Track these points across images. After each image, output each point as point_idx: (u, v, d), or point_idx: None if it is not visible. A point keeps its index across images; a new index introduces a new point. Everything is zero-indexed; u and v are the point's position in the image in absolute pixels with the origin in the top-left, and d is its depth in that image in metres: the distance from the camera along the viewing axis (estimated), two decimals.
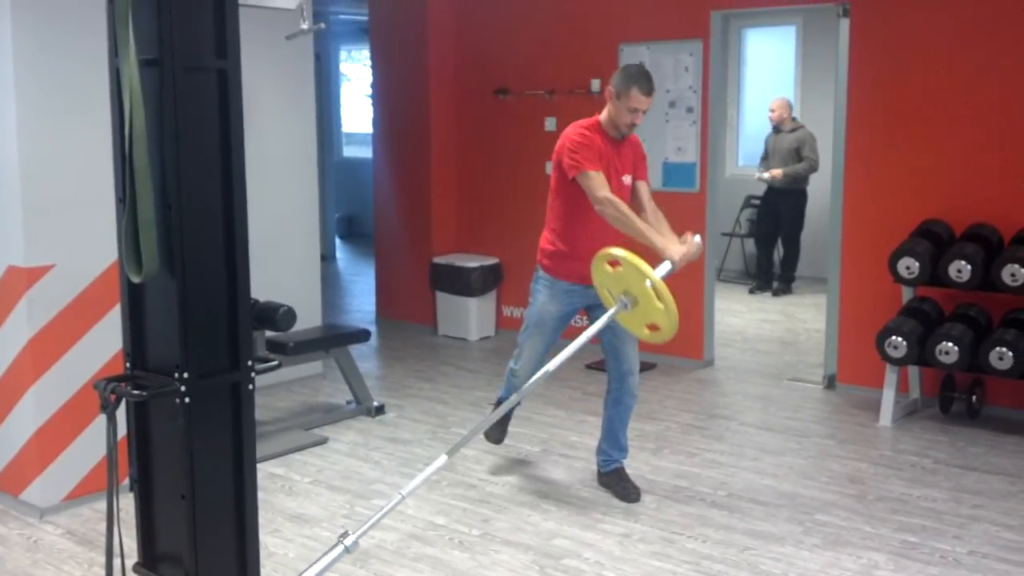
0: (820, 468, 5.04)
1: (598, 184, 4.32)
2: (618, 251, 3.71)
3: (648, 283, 3.63)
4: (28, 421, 4.43)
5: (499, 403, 4.95)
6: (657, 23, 6.91)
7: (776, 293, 9.72)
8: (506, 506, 4.59)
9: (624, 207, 4.31)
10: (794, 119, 9.39)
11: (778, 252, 9.95)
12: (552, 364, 3.75)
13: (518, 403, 4.07)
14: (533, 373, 4.75)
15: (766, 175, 9.34)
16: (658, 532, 4.28)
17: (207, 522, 2.74)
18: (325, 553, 3.22)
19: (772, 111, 9.35)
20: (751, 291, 9.81)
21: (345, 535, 3.24)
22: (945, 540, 4.18)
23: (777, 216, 9.66)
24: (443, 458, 3.55)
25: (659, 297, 3.60)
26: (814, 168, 9.19)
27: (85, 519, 4.43)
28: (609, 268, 3.81)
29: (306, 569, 3.20)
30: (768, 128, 9.53)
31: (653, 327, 3.70)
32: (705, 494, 4.69)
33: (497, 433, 4.96)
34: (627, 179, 4.54)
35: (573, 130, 4.48)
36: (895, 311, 5.73)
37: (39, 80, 4.29)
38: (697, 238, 4.27)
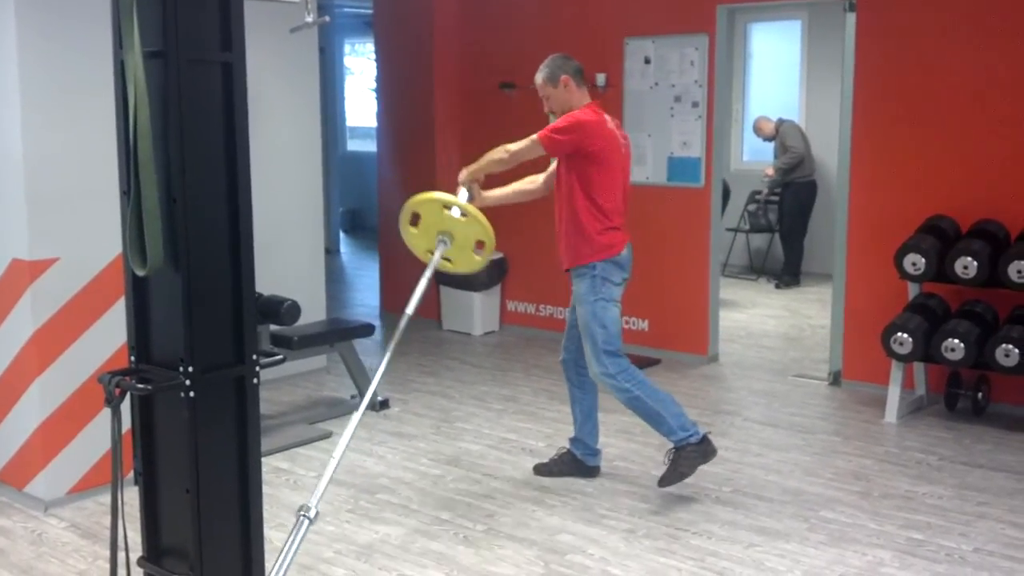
0: (825, 464, 5.03)
1: None
2: (414, 202, 3.82)
3: (449, 209, 3.77)
4: (33, 414, 4.43)
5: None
6: (663, 17, 6.88)
7: (779, 286, 9.74)
8: (511, 501, 4.58)
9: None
10: (777, 120, 9.78)
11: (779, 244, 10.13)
12: None
13: None
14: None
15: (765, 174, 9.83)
16: (663, 528, 4.27)
17: (211, 516, 2.73)
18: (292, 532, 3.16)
19: (758, 133, 9.91)
20: (777, 286, 9.79)
21: (305, 508, 3.19)
22: (951, 537, 4.17)
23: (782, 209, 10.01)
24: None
25: (463, 213, 3.68)
26: (797, 156, 9.53)
27: (90, 512, 4.43)
28: (414, 229, 3.91)
29: (281, 552, 3.13)
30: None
31: (480, 245, 3.79)
32: (710, 490, 4.68)
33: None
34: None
35: None
36: (901, 307, 5.71)
37: (43, 73, 4.28)
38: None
